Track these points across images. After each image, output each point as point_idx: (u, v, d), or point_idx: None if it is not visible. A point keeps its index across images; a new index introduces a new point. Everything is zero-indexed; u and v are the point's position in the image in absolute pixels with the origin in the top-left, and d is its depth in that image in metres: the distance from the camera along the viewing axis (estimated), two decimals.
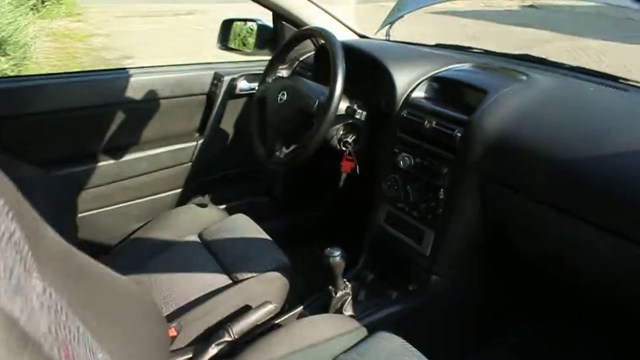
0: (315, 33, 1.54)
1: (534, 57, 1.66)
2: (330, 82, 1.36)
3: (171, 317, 1.31)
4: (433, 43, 1.95)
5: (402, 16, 2.04)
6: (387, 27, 2.04)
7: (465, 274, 1.43)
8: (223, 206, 1.99)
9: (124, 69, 1.73)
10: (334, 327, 1.19)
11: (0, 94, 1.53)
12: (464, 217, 1.34)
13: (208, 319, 1.30)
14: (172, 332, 1.23)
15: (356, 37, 1.95)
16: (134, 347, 0.90)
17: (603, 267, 1.13)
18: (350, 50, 1.60)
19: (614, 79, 1.42)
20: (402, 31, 2.04)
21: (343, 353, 1.12)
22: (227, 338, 1.22)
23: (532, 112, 1.24)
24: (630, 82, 1.39)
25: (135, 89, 1.70)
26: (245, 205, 2.03)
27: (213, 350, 1.21)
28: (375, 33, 2.06)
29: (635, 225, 1.00)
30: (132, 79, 1.69)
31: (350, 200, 1.98)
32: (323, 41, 1.50)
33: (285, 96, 1.49)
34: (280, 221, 2.11)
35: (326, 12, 1.88)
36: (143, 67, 1.81)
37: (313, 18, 1.85)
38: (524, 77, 1.40)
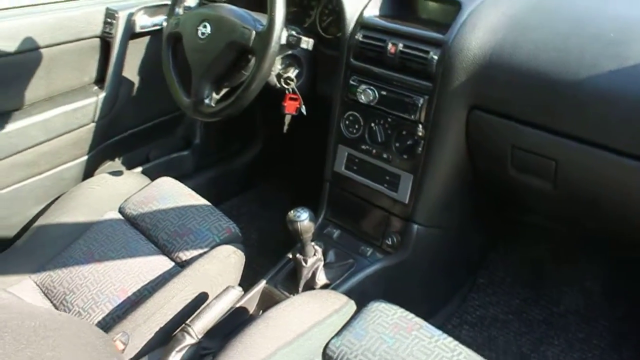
0: None
1: None
2: (268, 5, 1.09)
3: (110, 325, 1.06)
4: None
5: None
6: None
7: (448, 222, 1.27)
8: (139, 169, 1.68)
9: None
10: (321, 307, 1.00)
11: None
12: (448, 155, 1.15)
13: (158, 319, 1.06)
14: (120, 347, 0.97)
15: None
16: None
17: (609, 189, 1.00)
18: None
19: None
20: None
21: (335, 337, 0.95)
22: (189, 341, 0.99)
23: (521, 21, 1.05)
24: None
25: (6, 38, 1.32)
26: (165, 164, 1.74)
27: (175, 357, 0.98)
28: None
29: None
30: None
31: (276, 148, 1.74)
32: None
33: (209, 29, 1.20)
34: (205, 175, 1.85)
35: None
36: (8, 9, 1.40)
37: None
38: None
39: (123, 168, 1.68)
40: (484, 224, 1.40)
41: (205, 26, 1.20)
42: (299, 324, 0.96)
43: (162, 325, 1.04)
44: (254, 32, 1.13)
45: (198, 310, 1.04)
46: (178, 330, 1.01)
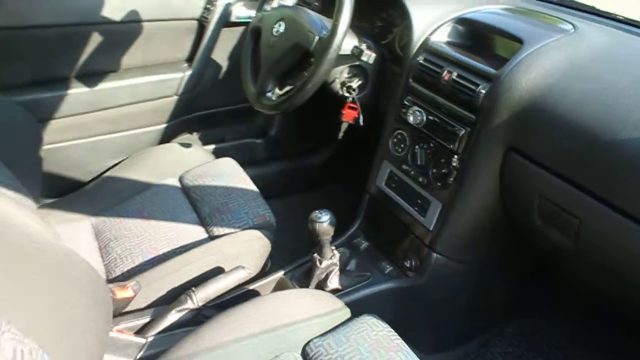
0: None
1: (582, 4, 1.40)
2: (334, 15, 1.14)
3: (133, 272, 1.17)
4: None
5: None
6: None
7: (472, 257, 1.25)
8: (211, 147, 1.81)
9: None
10: (314, 306, 1.04)
11: None
12: (478, 192, 1.14)
13: (172, 279, 1.14)
14: (129, 293, 1.07)
15: None
16: (57, 320, 0.74)
17: (630, 259, 0.94)
18: None
19: None
20: None
21: (319, 337, 0.98)
22: (189, 305, 1.08)
23: (579, 69, 1.01)
24: None
25: (115, 8, 1.48)
26: (236, 147, 1.85)
27: (172, 317, 1.07)
28: None
29: None
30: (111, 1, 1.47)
31: (350, 154, 1.78)
32: None
33: (282, 28, 1.28)
34: (274, 167, 1.94)
35: None
36: None
37: None
38: (570, 27, 1.17)
39: (198, 143, 1.81)
40: (513, 268, 1.34)
41: (280, 25, 1.28)
42: (288, 315, 1.00)
43: (172, 287, 1.13)
44: (317, 37, 1.19)
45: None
46: (183, 294, 1.09)
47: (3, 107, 1.35)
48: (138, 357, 0.99)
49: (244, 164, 1.47)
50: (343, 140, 1.95)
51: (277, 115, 1.91)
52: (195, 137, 1.81)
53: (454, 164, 1.15)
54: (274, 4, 1.44)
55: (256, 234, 1.25)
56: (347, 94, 1.34)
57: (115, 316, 1.07)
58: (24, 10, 1.39)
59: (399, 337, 0.97)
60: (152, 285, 1.12)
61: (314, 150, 2.03)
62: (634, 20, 1.25)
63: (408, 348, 0.95)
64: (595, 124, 0.92)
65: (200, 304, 1.08)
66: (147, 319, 1.08)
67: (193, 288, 1.09)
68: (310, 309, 1.03)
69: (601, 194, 0.91)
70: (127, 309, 1.11)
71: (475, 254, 1.24)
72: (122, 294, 1.07)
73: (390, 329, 0.98)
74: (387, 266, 1.30)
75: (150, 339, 1.03)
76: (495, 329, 1.48)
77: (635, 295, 0.99)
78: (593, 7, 1.36)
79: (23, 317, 0.66)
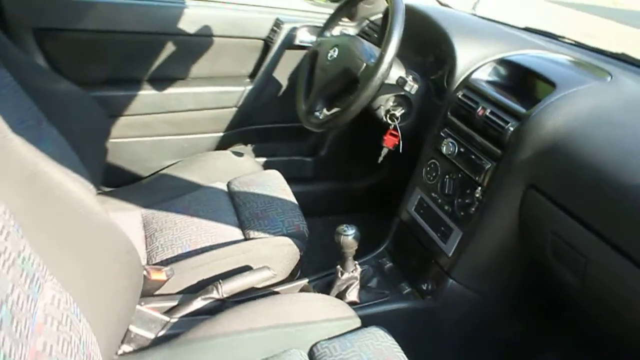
0: None
1: (632, 57, 1.43)
2: (382, 45, 1.23)
3: (170, 261, 1.27)
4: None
5: None
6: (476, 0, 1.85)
7: (486, 288, 1.28)
8: (261, 160, 1.92)
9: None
10: (327, 311, 1.11)
11: (56, 5, 1.51)
12: (498, 224, 1.18)
13: (203, 270, 1.24)
14: (162, 276, 1.18)
15: (437, 5, 1.77)
16: (94, 280, 0.85)
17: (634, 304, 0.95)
18: (416, 16, 1.46)
19: None
20: (504, 11, 1.84)
21: (326, 339, 1.04)
22: (214, 295, 1.16)
23: (604, 115, 1.05)
24: None
25: (189, 22, 1.63)
26: (286, 162, 1.95)
27: (197, 304, 1.16)
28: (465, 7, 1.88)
29: None
30: (187, 11, 1.62)
31: (392, 182, 1.84)
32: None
33: (336, 53, 1.38)
34: (319, 186, 2.02)
35: None
36: (202, 1, 1.73)
37: None
38: (608, 77, 1.20)
39: (251, 154, 1.92)
40: (527, 307, 1.35)
41: (334, 50, 1.38)
42: (301, 315, 1.07)
43: (202, 278, 1.22)
44: (365, 64, 1.27)
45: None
46: (211, 285, 1.18)
47: (80, 100, 1.51)
48: (159, 334, 1.08)
49: (290, 180, 1.56)
50: (388, 169, 2.01)
51: (328, 137, 2.01)
52: (248, 148, 1.93)
53: (477, 195, 1.20)
54: (335, 32, 1.55)
55: (287, 240, 1.33)
56: (390, 121, 1.41)
57: (147, 295, 1.18)
58: (111, 17, 1.56)
59: (401, 351, 1.01)
60: (185, 274, 1.22)
61: (359, 175, 2.10)
62: None
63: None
64: (612, 168, 0.95)
65: (225, 295, 1.17)
66: (174, 303, 1.18)
67: (220, 280, 1.18)
68: (322, 313, 1.09)
69: (610, 237, 0.94)
70: (158, 292, 1.21)
71: (490, 285, 1.27)
72: (156, 276, 1.17)
73: (395, 342, 1.03)
74: (406, 287, 1.35)
75: (173, 320, 1.12)
76: None
77: (632, 338, 1.00)
78: (633, 58, 1.39)
79: (64, 273, 0.77)
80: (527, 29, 1.69)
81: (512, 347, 1.43)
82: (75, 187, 0.88)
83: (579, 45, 1.56)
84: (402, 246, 1.47)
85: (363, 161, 2.03)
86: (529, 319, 1.38)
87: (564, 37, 1.60)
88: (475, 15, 1.78)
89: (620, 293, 0.95)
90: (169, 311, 1.16)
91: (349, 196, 2.08)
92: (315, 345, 1.03)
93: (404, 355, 1.01)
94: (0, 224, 0.65)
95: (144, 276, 1.14)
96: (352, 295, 1.29)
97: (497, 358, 1.42)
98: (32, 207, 0.75)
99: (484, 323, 1.34)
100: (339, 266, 1.28)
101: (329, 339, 1.04)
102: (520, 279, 1.26)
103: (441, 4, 1.80)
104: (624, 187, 0.92)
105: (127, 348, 1.06)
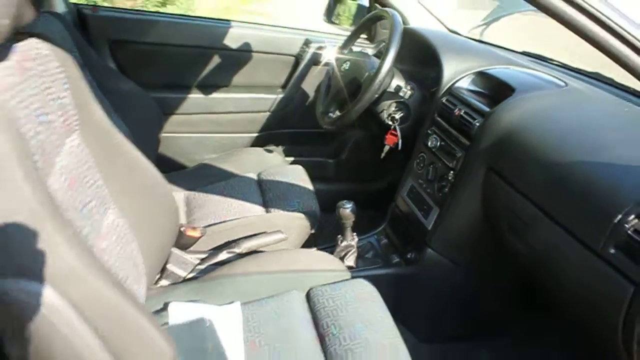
0: (384, 15, 1.69)
1: (604, 76, 1.68)
2: (380, 59, 1.52)
3: (204, 227, 1.58)
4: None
5: (497, 19, 2.13)
6: (482, 27, 2.13)
7: (458, 257, 1.53)
8: (289, 159, 2.23)
9: (229, 20, 2.01)
10: (324, 264, 1.38)
11: (127, 22, 1.88)
12: (465, 201, 1.44)
13: (229, 233, 1.54)
14: (197, 234, 1.48)
15: (438, 29, 2.05)
16: (144, 219, 1.16)
17: (577, 281, 1.16)
18: (415, 36, 1.75)
19: None
20: (517, 36, 2.09)
21: (320, 285, 1.30)
22: (236, 250, 1.46)
23: (552, 115, 1.30)
24: None
25: (233, 39, 1.99)
26: (310, 162, 2.22)
27: (222, 256, 1.45)
28: (469, 31, 2.15)
29: (604, 239, 1.01)
30: (232, 30, 1.97)
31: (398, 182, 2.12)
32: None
33: (347, 66, 1.68)
34: (339, 185, 2.31)
35: (421, 4, 2.02)
36: (244, 22, 2.09)
37: (408, 7, 2.00)
38: (563, 84, 1.47)
39: (280, 153, 2.24)
40: (496, 276, 1.56)
41: (347, 64, 1.69)
42: (304, 265, 1.35)
43: (228, 239, 1.52)
44: (367, 74, 1.58)
45: None
46: (234, 242, 1.48)
47: (143, 99, 1.85)
48: (189, 274, 1.39)
49: (313, 178, 1.84)
50: (397, 174, 2.28)
51: (348, 143, 2.30)
52: (278, 148, 2.24)
53: (450, 178, 1.47)
54: (354, 49, 1.85)
55: (301, 216, 1.61)
56: (390, 122, 1.70)
57: (183, 249, 1.49)
58: (170, 32, 1.92)
59: (379, 296, 1.27)
60: (214, 235, 1.53)
61: (373, 178, 2.36)
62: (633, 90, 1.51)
63: (383, 303, 1.25)
64: (548, 153, 1.19)
65: (244, 251, 1.46)
66: (203, 256, 1.48)
67: (242, 240, 1.48)
68: (320, 265, 1.37)
69: (544, 207, 1.18)
70: (192, 249, 1.52)
71: (461, 255, 1.51)
72: (191, 233, 1.48)
73: (375, 290, 1.29)
74: (396, 258, 1.63)
75: (202, 265, 1.43)
76: (487, 336, 1.69)
77: (572, 306, 1.22)
78: (611, 79, 1.64)
79: (123, 206, 1.09)
80: (524, 53, 1.96)
81: (479, 320, 1.66)
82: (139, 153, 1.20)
83: (563, 65, 1.81)
84: (396, 226, 1.75)
85: (377, 166, 2.31)
86: (498, 295, 1.61)
87: (552, 60, 1.86)
88: (479, 40, 2.05)
89: (555, 256, 1.18)
90: (199, 261, 1.47)
91: (364, 196, 2.35)
92: (311, 289, 1.29)
93: (382, 300, 1.26)
94: (85, 163, 0.98)
95: (182, 231, 1.45)
96: (350, 260, 1.56)
97: (464, 325, 1.66)
98: (109, 157, 1.07)
99: (456, 289, 1.58)
100: (339, 236, 1.56)
101: (323, 285, 1.30)
102: (486, 251, 1.50)
103: (450, 30, 2.09)
104: (556, 167, 1.16)
105: (164, 282, 1.36)
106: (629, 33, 0.90)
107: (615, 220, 0.97)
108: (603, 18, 0.90)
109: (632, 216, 0.95)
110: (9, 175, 0.65)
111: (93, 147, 1.03)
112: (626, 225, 0.95)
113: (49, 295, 0.69)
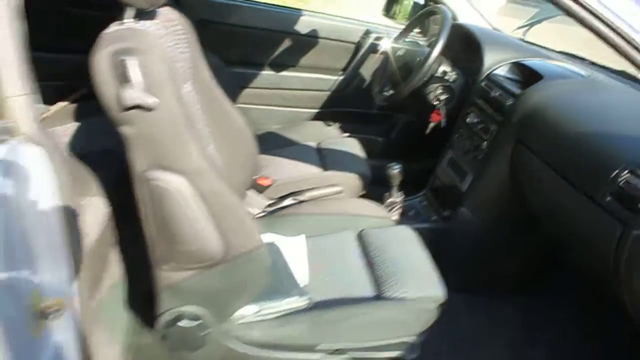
0: (436, 10, 1.96)
1: (629, 74, 1.91)
2: (430, 48, 1.80)
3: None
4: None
5: (540, 21, 2.38)
6: (525, 28, 2.38)
7: (486, 217, 1.80)
8: (345, 134, 2.51)
9: (300, 10, 2.32)
10: (373, 211, 1.66)
11: (214, 5, 2.21)
12: (496, 167, 1.72)
13: (293, 186, 1.82)
14: (267, 182, 1.79)
15: (483, 26, 2.30)
16: (232, 158, 1.47)
17: (579, 225, 1.40)
18: (462, 31, 2.02)
19: None
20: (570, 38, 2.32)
21: (371, 228, 1.57)
22: (300, 197, 1.75)
23: (567, 96, 1.56)
24: None
25: (303, 25, 2.29)
26: (362, 139, 2.43)
27: (287, 202, 1.73)
28: (512, 32, 2.40)
29: (602, 190, 1.25)
30: (302, 17, 2.28)
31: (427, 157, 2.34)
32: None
33: (402, 53, 1.97)
34: (386, 162, 2.57)
35: (469, 3, 2.29)
36: (314, 12, 2.39)
37: (458, 6, 2.27)
38: (586, 74, 1.73)
39: (337, 128, 2.52)
40: (521, 240, 1.81)
41: (402, 51, 1.97)
42: (358, 210, 1.63)
43: (292, 190, 1.80)
44: (418, 59, 1.86)
45: None
46: (298, 191, 1.77)
47: (222, 72, 2.17)
48: (259, 213, 1.69)
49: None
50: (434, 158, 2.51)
51: (398, 124, 2.57)
52: (335, 124, 2.53)
53: (483, 147, 1.74)
54: (408, 39, 2.13)
55: (354, 176, 1.89)
56: (435, 103, 1.97)
57: None
58: (249, 16, 2.24)
59: (420, 240, 1.53)
60: (281, 187, 1.81)
61: (418, 158, 2.58)
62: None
63: (423, 245, 1.52)
64: (564, 125, 1.46)
65: (307, 199, 1.75)
66: (272, 201, 1.78)
67: (305, 190, 1.77)
68: (371, 212, 1.64)
69: (560, 169, 1.43)
70: (263, 195, 1.82)
71: (489, 213, 1.79)
72: (262, 182, 1.79)
73: (416, 234, 1.56)
74: (434, 216, 1.92)
75: (271, 208, 1.73)
76: (509, 292, 1.94)
77: (572, 244, 1.48)
78: (634, 77, 1.87)
79: (221, 145, 1.39)
80: (562, 52, 2.20)
81: (502, 276, 1.91)
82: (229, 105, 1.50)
83: (593, 64, 2.06)
84: (435, 191, 2.03)
85: (423, 147, 2.57)
86: (520, 253, 1.86)
87: (585, 59, 2.10)
88: (524, 40, 2.29)
89: (563, 207, 1.44)
90: (269, 203, 1.77)
91: (409, 174, 2.62)
92: (363, 230, 1.56)
93: (422, 243, 1.52)
94: (194, 106, 1.29)
95: (255, 180, 1.76)
96: (394, 215, 1.84)
97: (489, 278, 1.91)
98: (210, 105, 1.38)
99: (483, 244, 1.84)
100: (387, 193, 1.85)
101: (372, 228, 1.58)
102: (510, 211, 1.75)
103: (493, 27, 2.34)
104: (570, 135, 1.42)
105: None
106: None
107: (612, 175, 1.22)
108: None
109: (626, 171, 1.20)
110: (164, 91, 0.94)
111: (200, 95, 1.34)
112: (619, 179, 1.21)
113: (181, 183, 1.01)
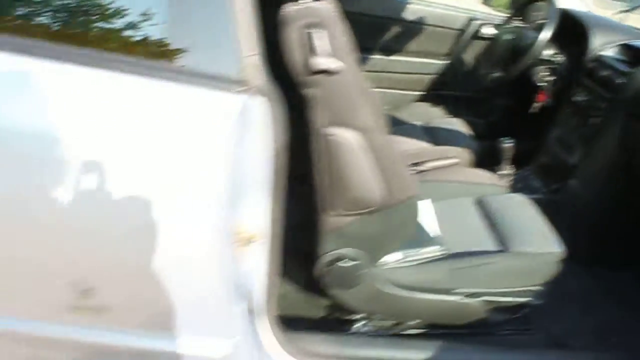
0: None
1: None
2: (540, 33, 1.96)
3: None
4: None
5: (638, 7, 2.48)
6: (623, 13, 2.48)
7: (593, 189, 1.93)
8: (450, 116, 2.69)
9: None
10: (491, 180, 1.83)
11: None
12: (605, 141, 1.86)
13: (412, 158, 2.01)
14: None
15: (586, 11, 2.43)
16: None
17: None
18: (569, 17, 2.17)
19: None
20: None
21: (488, 195, 1.73)
22: (420, 168, 1.94)
23: None
24: None
25: (411, 13, 2.49)
26: (463, 120, 2.62)
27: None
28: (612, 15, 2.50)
29: None
30: (410, 5, 2.48)
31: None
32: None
33: (509, 36, 2.14)
34: (485, 143, 2.72)
35: None
36: (422, 0, 2.56)
37: None
38: None
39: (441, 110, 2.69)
40: (626, 213, 1.89)
41: (508, 35, 2.15)
42: (478, 178, 1.82)
43: (411, 161, 2.00)
44: (526, 43, 2.02)
45: None
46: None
47: None
48: None
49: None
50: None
51: (498, 107, 2.70)
52: (439, 106, 2.70)
53: (592, 123, 1.90)
54: (510, 25, 2.29)
55: (464, 150, 2.07)
56: (539, 84, 2.13)
57: None
58: (362, 3, 2.45)
59: (532, 207, 1.70)
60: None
61: (519, 139, 2.77)
62: None
63: (534, 208, 1.68)
64: None
65: (427, 169, 1.94)
66: None
67: (425, 161, 1.96)
68: (489, 180, 1.82)
69: None
70: None
71: (597, 187, 1.92)
72: None
73: (526, 198, 1.73)
74: (543, 189, 2.08)
75: None
76: (614, 267, 1.99)
77: None
78: None
79: None
80: None
81: (609, 248, 1.98)
82: None
83: None
84: (542, 166, 2.20)
85: (521, 129, 2.70)
86: (631, 235, 1.90)
87: None
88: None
89: None
90: None
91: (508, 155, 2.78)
92: (481, 197, 1.72)
93: (535, 208, 1.68)
94: None
95: None
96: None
97: (595, 251, 1.97)
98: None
99: (590, 216, 1.96)
100: (496, 166, 2.02)
101: (490, 195, 1.73)
102: (617, 184, 1.87)
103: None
104: None
105: None
106: None
107: None
108: None
109: None
110: (347, 58, 1.14)
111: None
112: None
113: (354, 138, 1.20)
